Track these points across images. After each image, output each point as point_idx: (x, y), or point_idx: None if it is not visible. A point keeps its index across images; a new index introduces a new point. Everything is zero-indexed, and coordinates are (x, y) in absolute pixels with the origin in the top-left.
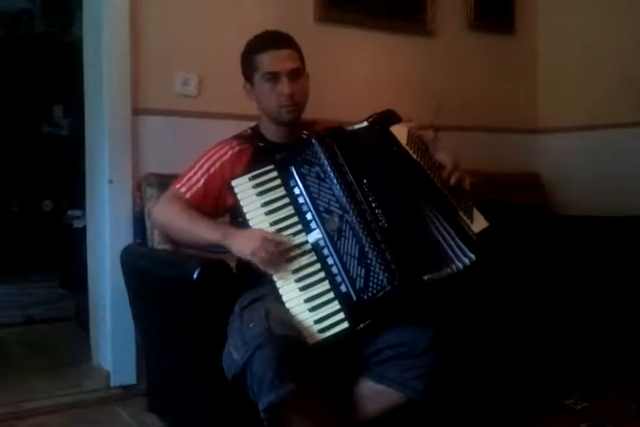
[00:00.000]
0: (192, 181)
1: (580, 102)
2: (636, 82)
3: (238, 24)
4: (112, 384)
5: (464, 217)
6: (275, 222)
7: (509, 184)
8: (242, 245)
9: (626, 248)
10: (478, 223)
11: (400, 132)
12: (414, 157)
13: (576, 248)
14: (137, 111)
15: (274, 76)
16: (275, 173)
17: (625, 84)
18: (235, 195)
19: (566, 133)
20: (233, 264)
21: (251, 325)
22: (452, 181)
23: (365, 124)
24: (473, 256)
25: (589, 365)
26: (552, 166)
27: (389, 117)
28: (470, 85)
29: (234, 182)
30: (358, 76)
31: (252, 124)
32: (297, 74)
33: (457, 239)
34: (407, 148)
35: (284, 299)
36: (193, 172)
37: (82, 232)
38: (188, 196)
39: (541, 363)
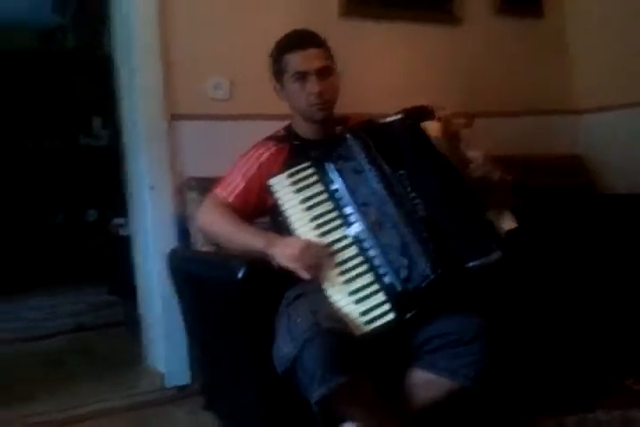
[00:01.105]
0: (233, 185)
1: (616, 80)
2: None
3: (263, 25)
4: (167, 385)
5: (493, 214)
6: (314, 218)
7: (551, 167)
8: (284, 255)
9: None
10: (508, 223)
11: (432, 127)
12: (442, 152)
13: (625, 229)
14: (172, 117)
15: (302, 76)
16: (311, 170)
17: None
18: (273, 193)
19: (606, 112)
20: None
21: (298, 320)
22: (476, 174)
23: (398, 116)
24: (500, 252)
25: None
26: (594, 146)
27: (422, 112)
28: (502, 70)
29: (271, 181)
30: (386, 68)
31: (285, 123)
32: (326, 72)
33: (482, 235)
34: (438, 143)
35: (329, 293)
36: (233, 175)
37: (127, 239)
38: (230, 200)
39: (602, 343)
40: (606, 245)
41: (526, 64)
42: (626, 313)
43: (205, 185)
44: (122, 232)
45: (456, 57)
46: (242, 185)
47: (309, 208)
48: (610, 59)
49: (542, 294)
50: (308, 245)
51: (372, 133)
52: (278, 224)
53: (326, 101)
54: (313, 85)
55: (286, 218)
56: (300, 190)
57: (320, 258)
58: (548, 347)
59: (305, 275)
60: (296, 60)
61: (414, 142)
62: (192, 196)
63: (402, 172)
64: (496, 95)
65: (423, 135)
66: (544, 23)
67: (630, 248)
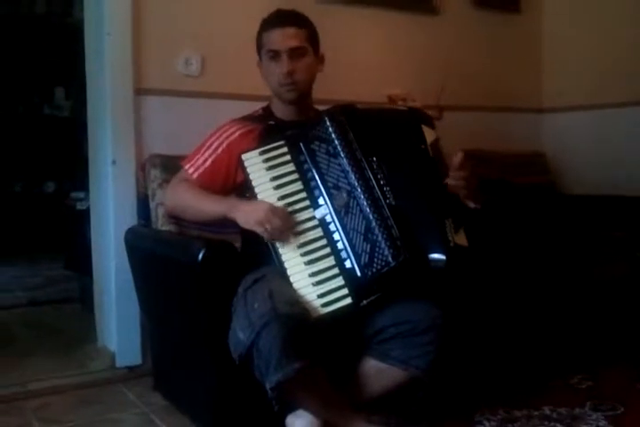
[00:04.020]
0: (199, 162)
1: (585, 81)
2: None
3: (241, 3)
4: (117, 365)
5: (451, 225)
6: (283, 197)
7: (515, 164)
8: (247, 216)
9: (631, 227)
10: (460, 239)
11: (428, 133)
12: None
13: (581, 227)
14: (139, 91)
15: (276, 54)
16: (285, 149)
17: (631, 63)
18: (244, 169)
19: (572, 113)
20: (238, 245)
21: (255, 305)
22: (449, 181)
23: (405, 108)
24: (444, 258)
25: (593, 344)
26: (557, 146)
27: (426, 116)
28: (475, 64)
29: (244, 156)
30: (362, 55)
31: (257, 104)
32: (299, 52)
33: (437, 238)
34: (429, 148)
35: (289, 273)
36: (201, 152)
37: (85, 214)
38: (195, 176)
39: (545, 342)
40: (559, 245)
41: (500, 59)
42: (573, 313)
43: (169, 163)
44: (79, 206)
45: (431, 47)
46: (208, 162)
47: (279, 187)
48: (581, 60)
49: (493, 292)
50: (272, 208)
51: (351, 117)
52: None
53: (296, 82)
54: (283, 65)
55: (255, 195)
56: (271, 168)
57: (284, 221)
58: (495, 342)
59: (267, 236)
60: (271, 38)
61: (410, 136)
62: (155, 173)
63: (375, 158)
64: (467, 89)
65: (421, 133)
66: (520, 19)
67: (581, 249)
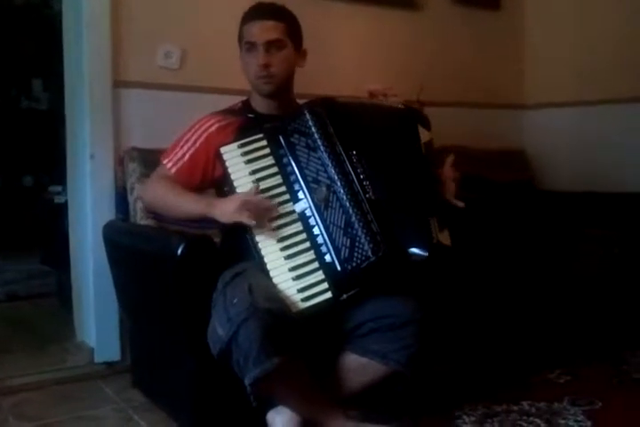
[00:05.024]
0: (178, 156)
1: (566, 78)
2: (623, 58)
3: None
4: (96, 360)
5: (435, 224)
6: (262, 191)
7: (495, 160)
8: (224, 210)
9: (610, 224)
10: (443, 238)
11: (423, 133)
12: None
13: (560, 223)
14: (118, 84)
15: (252, 47)
16: (264, 142)
17: (613, 60)
18: (223, 162)
19: (553, 109)
20: (217, 240)
21: (234, 300)
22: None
23: (402, 106)
24: (426, 254)
25: (572, 340)
26: (538, 142)
27: (424, 117)
28: (456, 60)
29: (222, 149)
30: (343, 49)
31: (236, 98)
32: (276, 45)
33: (421, 231)
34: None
35: (269, 267)
36: (179, 146)
37: (63, 208)
38: (173, 170)
39: (525, 337)
40: (538, 242)
41: (481, 56)
42: (552, 309)
43: (147, 156)
44: (57, 200)
45: (412, 43)
46: (187, 156)
47: (258, 180)
48: (562, 57)
49: (473, 287)
50: (246, 197)
51: (331, 110)
52: (224, 194)
53: (272, 75)
54: (259, 57)
55: (234, 188)
56: (250, 162)
57: (260, 206)
58: (475, 338)
59: (249, 222)
60: (249, 31)
61: (403, 133)
62: (133, 167)
63: (355, 152)
64: (447, 85)
65: (415, 130)
66: (501, 16)
67: (560, 246)
